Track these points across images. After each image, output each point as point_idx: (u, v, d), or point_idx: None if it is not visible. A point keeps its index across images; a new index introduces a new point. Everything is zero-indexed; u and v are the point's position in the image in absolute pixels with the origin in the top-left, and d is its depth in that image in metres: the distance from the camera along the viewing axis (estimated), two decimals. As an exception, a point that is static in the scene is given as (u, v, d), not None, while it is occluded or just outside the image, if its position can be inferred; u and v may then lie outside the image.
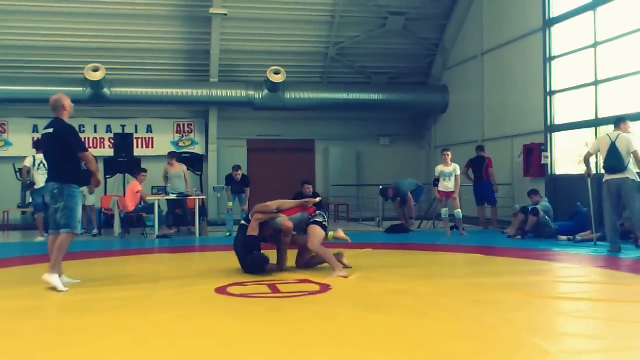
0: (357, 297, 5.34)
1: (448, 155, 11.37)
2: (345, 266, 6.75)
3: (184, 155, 14.91)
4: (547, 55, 12.46)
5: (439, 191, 11.38)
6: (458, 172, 11.28)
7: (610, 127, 11.86)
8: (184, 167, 12.54)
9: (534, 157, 12.54)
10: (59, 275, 5.94)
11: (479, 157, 12.93)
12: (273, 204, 6.82)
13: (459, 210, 11.24)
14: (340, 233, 7.21)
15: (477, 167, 12.81)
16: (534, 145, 12.55)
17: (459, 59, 16.22)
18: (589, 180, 9.04)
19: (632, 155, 8.10)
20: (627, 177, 8.12)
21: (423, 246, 9.59)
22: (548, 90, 12.43)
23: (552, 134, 12.41)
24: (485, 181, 12.70)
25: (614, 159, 8.15)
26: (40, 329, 4.31)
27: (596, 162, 10.23)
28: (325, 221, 6.89)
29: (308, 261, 7.06)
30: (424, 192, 13.79)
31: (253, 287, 5.81)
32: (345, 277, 6.22)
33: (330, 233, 7.05)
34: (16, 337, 4.07)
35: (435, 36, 16.72)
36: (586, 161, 8.85)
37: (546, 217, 10.33)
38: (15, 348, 3.78)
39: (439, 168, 11.42)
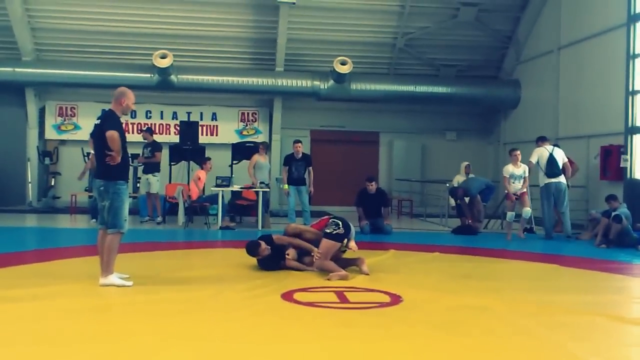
0: (431, 313, 5.06)
1: (518, 155, 10.87)
2: (364, 273, 6.64)
3: (247, 144, 14.81)
4: (631, 53, 11.72)
5: (508, 194, 10.91)
6: (527, 173, 10.81)
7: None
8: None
9: (612, 159, 11.87)
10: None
11: None
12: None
13: (529, 209, 10.76)
14: (351, 243, 6.83)
15: None
16: (613, 147, 11.88)
17: (533, 53, 15.52)
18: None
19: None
20: (561, 181, 10.61)
21: (494, 252, 9.15)
22: (630, 89, 11.71)
23: (633, 136, 11.71)
24: None
25: (556, 167, 10.61)
26: (108, 334, 4.22)
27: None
28: (336, 230, 6.61)
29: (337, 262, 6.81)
30: (494, 192, 13.28)
31: (320, 295, 5.62)
32: (346, 277, 6.34)
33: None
34: (82, 342, 3.98)
35: (509, 29, 16.05)
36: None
37: (628, 225, 9.73)
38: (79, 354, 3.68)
39: (509, 169, 10.91)
